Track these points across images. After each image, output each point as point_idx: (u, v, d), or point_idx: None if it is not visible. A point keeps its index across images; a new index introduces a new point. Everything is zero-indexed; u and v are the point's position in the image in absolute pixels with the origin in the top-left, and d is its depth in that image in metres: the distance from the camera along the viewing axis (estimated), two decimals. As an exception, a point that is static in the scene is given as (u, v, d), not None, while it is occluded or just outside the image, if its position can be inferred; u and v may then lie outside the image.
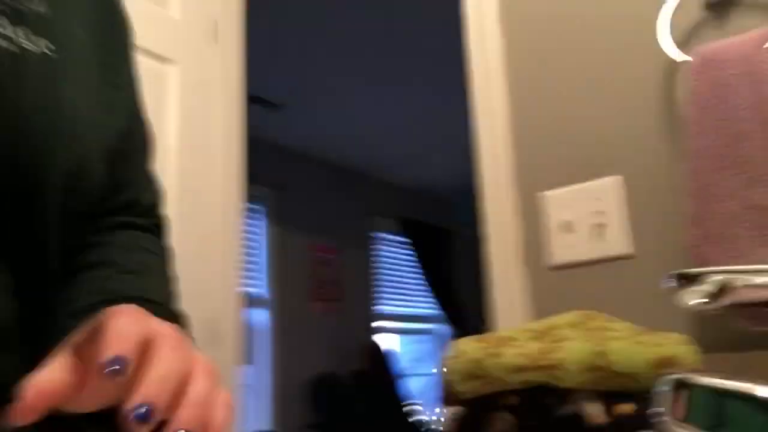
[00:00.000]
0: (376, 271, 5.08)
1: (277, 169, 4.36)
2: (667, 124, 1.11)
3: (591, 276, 1.15)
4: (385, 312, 5.11)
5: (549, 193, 1.21)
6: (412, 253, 5.35)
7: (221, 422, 0.37)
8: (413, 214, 5.41)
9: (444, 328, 5.37)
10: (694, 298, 0.35)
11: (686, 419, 0.34)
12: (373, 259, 5.08)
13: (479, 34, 1.35)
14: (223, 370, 1.55)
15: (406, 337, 5.38)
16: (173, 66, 1.50)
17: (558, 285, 1.19)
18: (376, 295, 5.03)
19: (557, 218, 1.19)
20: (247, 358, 3.90)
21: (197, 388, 0.37)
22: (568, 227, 1.17)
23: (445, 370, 0.72)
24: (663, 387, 0.33)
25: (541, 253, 1.22)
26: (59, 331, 0.42)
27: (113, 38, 0.62)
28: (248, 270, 4.07)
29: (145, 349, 0.36)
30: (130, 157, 0.62)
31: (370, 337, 4.78)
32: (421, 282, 5.38)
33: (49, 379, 0.33)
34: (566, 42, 1.25)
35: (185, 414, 0.35)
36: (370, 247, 5.08)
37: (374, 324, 4.93)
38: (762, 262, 0.88)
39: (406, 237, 5.33)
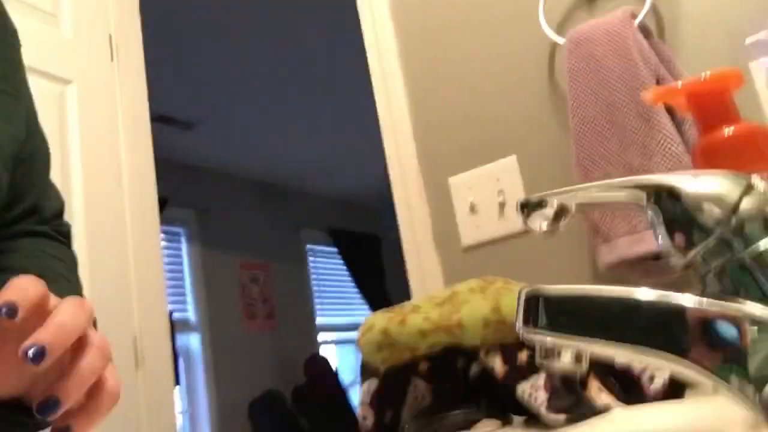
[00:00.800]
0: (308, 283, 5.08)
1: (198, 189, 4.30)
2: (553, 102, 1.19)
3: (496, 253, 1.21)
4: (322, 323, 5.10)
5: (453, 179, 1.27)
6: (343, 262, 5.37)
7: (112, 391, 0.38)
8: (340, 224, 5.43)
9: (381, 333, 5.39)
10: (538, 222, 0.39)
11: (543, 326, 0.37)
12: (304, 271, 5.07)
13: (373, 33, 1.40)
14: (152, 393, 1.53)
15: (345, 346, 5.38)
16: (71, 86, 1.47)
17: (469, 265, 1.25)
18: (311, 307, 5.02)
19: (463, 201, 1.25)
20: (180, 381, 3.81)
21: (90, 356, 0.38)
22: (473, 209, 1.23)
23: (358, 344, 0.75)
24: (519, 300, 0.37)
25: (452, 236, 1.27)
26: None
27: (5, 49, 0.62)
28: (176, 294, 3.99)
29: (43, 308, 0.37)
30: (30, 166, 0.62)
31: (308, 351, 4.76)
32: (356, 290, 5.41)
33: None
34: (456, 33, 1.32)
35: (77, 377, 0.36)
36: (301, 260, 5.07)
37: (312, 337, 4.92)
38: (645, 219, 0.96)
39: (335, 246, 5.36)
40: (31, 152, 0.63)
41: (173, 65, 3.16)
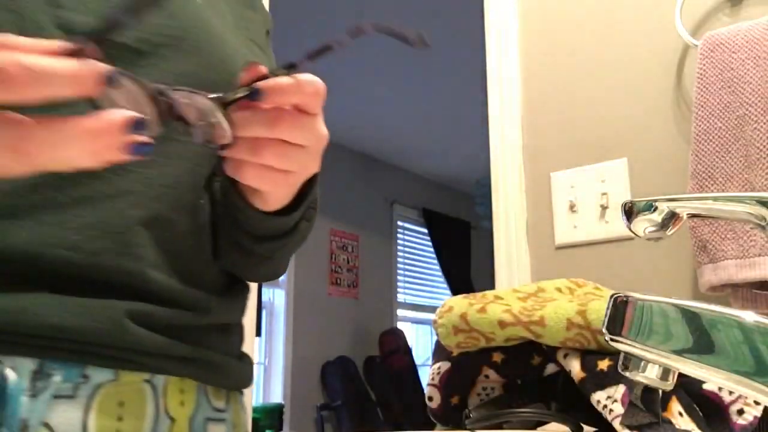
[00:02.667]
0: (394, 259, 5.12)
1: (301, 152, 4.41)
2: (675, 108, 1.12)
3: (591, 256, 1.17)
4: (402, 301, 5.15)
5: (555, 174, 1.23)
6: (431, 243, 5.37)
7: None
8: (434, 205, 5.42)
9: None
10: (644, 227, 0.37)
11: (631, 335, 0.36)
12: (392, 247, 5.12)
13: (496, 16, 1.37)
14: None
15: (421, 326, 5.41)
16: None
17: (559, 264, 1.21)
18: (393, 283, 5.07)
19: (563, 198, 1.21)
20: (260, 332, 3.96)
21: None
22: (572, 208, 1.19)
23: (435, 324, 0.75)
24: (610, 304, 0.36)
25: (546, 233, 1.24)
26: None
27: (252, 16, 0.68)
28: (267, 250, 4.13)
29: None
30: None
31: (385, 325, 4.82)
32: (439, 273, 5.40)
33: None
34: (580, 24, 1.27)
35: None
36: (390, 235, 5.12)
37: (390, 312, 4.98)
38: (759, 244, 0.89)
39: (426, 227, 5.36)
40: None
41: (290, 25, 3.23)
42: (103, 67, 0.32)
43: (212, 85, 0.54)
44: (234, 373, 0.59)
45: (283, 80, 0.43)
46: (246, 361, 0.63)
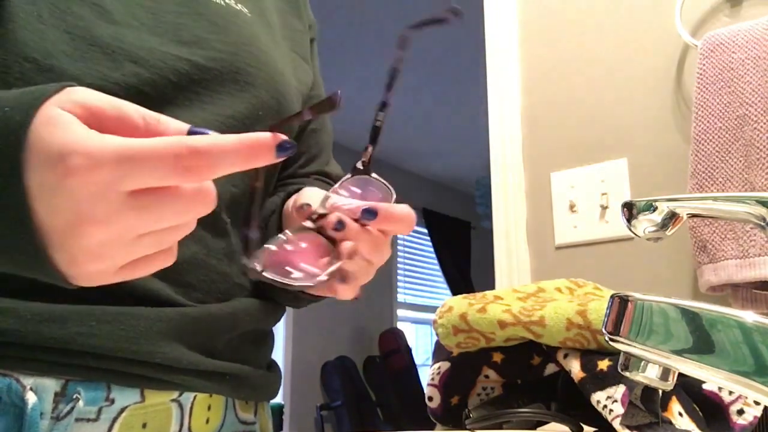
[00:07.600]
0: (395, 259, 5.12)
1: (301, 152, 4.41)
2: (675, 108, 1.12)
3: (591, 256, 1.17)
4: (402, 301, 5.14)
5: (555, 174, 1.23)
6: (431, 243, 5.37)
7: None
8: (434, 205, 5.42)
9: (459, 320, 5.38)
10: (644, 227, 0.37)
11: (631, 335, 0.36)
12: (392, 247, 5.11)
13: (496, 17, 1.37)
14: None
15: (421, 327, 5.41)
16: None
17: (559, 264, 1.21)
18: (394, 283, 5.07)
19: (563, 198, 1.21)
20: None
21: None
22: (572, 208, 1.19)
23: (435, 324, 0.75)
24: (610, 304, 0.36)
25: (546, 233, 1.24)
26: None
27: (298, 26, 0.71)
28: (267, 250, 4.13)
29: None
30: (320, 135, 0.70)
31: (385, 325, 4.82)
32: (439, 273, 5.40)
33: None
34: (579, 23, 1.27)
35: None
36: (390, 235, 5.11)
37: (390, 312, 4.98)
38: (759, 244, 0.89)
39: (426, 227, 5.36)
40: (321, 124, 0.72)
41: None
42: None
43: (262, 120, 0.57)
44: (263, 385, 0.59)
45: (396, 210, 0.46)
46: (275, 370, 0.62)
